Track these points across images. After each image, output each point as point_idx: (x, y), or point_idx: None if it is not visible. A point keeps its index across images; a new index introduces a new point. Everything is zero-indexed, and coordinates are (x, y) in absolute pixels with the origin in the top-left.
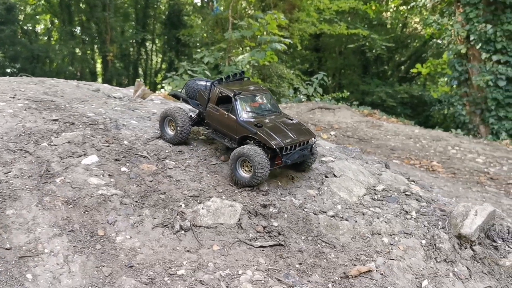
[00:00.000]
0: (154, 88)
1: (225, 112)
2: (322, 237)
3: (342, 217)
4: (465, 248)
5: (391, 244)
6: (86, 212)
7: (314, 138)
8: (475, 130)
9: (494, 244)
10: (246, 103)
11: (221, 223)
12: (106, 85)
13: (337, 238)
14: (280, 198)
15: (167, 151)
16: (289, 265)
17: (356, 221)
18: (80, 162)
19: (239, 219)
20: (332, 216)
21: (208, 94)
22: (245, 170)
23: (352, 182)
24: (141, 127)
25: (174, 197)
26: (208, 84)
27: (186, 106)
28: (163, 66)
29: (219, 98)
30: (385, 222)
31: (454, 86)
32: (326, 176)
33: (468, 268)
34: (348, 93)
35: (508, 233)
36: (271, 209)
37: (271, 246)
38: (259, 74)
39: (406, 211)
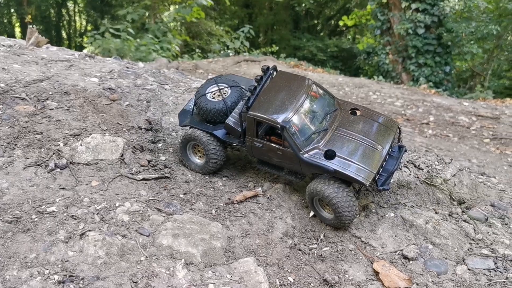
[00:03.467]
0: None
1: (277, 148)
2: None
3: (233, 149)
4: None
5: None
6: None
7: (398, 127)
8: (398, 78)
9: None
10: (302, 127)
11: (101, 159)
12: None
13: (226, 168)
14: (171, 134)
15: (50, 92)
16: (173, 195)
17: None
18: None
19: (122, 154)
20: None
21: (241, 124)
22: (328, 210)
23: None
24: (24, 71)
25: (52, 137)
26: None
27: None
28: (89, 27)
29: (259, 125)
30: None
31: (378, 36)
32: None
33: None
34: (277, 48)
35: None
36: (160, 145)
37: (155, 179)
38: (187, 32)
39: None
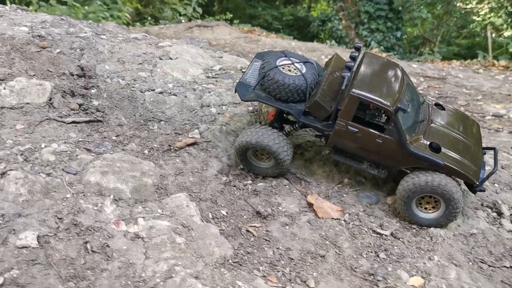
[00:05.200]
0: None
1: (378, 135)
2: (147, 112)
3: (170, 93)
4: None
5: (218, 113)
6: None
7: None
8: (352, 43)
9: None
10: (406, 115)
11: (27, 103)
12: None
13: (163, 112)
14: (105, 80)
15: None
16: (105, 137)
17: (185, 96)
18: None
19: (50, 98)
20: (160, 93)
21: (337, 102)
22: (426, 209)
23: (188, 64)
24: None
25: None
26: (305, 70)
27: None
28: None
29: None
30: (215, 95)
31: (331, 2)
32: (160, 59)
33: None
34: (232, 15)
35: None
36: (93, 91)
37: (86, 122)
38: (139, 0)
39: None
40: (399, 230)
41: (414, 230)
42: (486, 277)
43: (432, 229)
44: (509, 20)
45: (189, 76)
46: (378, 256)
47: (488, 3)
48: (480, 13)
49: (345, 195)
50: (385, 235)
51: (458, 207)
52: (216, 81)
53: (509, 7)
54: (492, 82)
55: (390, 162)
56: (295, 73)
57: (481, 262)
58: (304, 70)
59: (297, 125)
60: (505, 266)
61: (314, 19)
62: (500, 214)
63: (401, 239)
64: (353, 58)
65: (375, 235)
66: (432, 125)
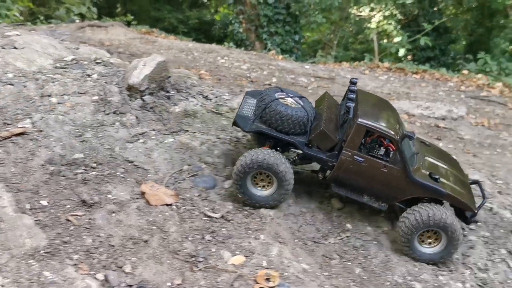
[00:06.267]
0: None
1: (384, 164)
2: None
3: (6, 83)
4: (135, 99)
5: (58, 103)
6: None
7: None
8: (252, 46)
9: (167, 94)
10: (406, 147)
11: None
12: None
13: None
14: None
15: None
16: None
17: (25, 86)
18: None
19: None
20: None
21: (345, 132)
22: (426, 244)
23: (37, 54)
24: None
25: None
26: (303, 104)
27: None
28: None
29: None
30: (60, 85)
31: (231, 5)
32: (3, 48)
33: (137, 116)
34: (132, 17)
35: (185, 84)
36: None
37: None
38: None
39: (88, 75)
40: (231, 213)
41: (246, 212)
42: (308, 252)
43: (262, 210)
44: (398, 27)
45: (34, 66)
46: (203, 238)
47: (379, 11)
48: (372, 21)
49: (182, 181)
50: (216, 218)
51: (459, 239)
52: (65, 71)
53: (398, 15)
54: (375, 82)
55: (393, 193)
56: (296, 106)
57: (307, 239)
58: (302, 104)
59: (297, 157)
60: (330, 242)
61: (217, 23)
62: (331, 195)
63: (231, 221)
64: (352, 91)
65: (206, 218)
66: (425, 157)
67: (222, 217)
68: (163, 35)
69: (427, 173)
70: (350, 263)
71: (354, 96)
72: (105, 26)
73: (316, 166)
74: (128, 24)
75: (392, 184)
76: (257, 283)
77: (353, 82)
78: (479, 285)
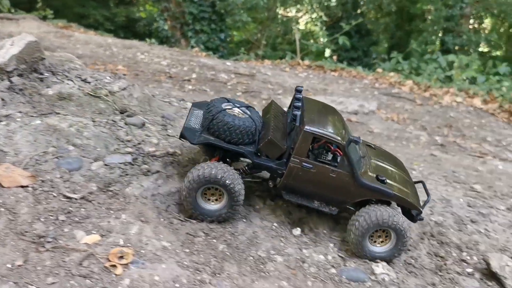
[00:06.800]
0: None
1: (332, 169)
2: None
3: None
4: (1, 80)
5: None
6: None
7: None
8: (178, 44)
9: (40, 76)
10: (353, 151)
11: None
12: None
13: None
14: None
15: None
16: None
17: None
18: None
19: None
20: None
21: (293, 139)
22: (376, 242)
23: None
24: None
25: None
26: (247, 113)
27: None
28: None
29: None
30: None
31: (156, 2)
32: None
33: (2, 98)
34: (51, 12)
35: (63, 67)
36: None
37: None
38: None
39: None
40: (94, 194)
41: (110, 193)
42: (172, 231)
43: (127, 189)
44: (324, 28)
45: None
46: (57, 219)
47: (306, 12)
48: (299, 21)
49: (44, 162)
50: (75, 199)
51: (408, 236)
52: None
53: (323, 17)
54: (295, 79)
55: (342, 196)
56: (243, 115)
57: (173, 218)
58: (249, 114)
59: (247, 167)
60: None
61: (142, 20)
62: None
63: (92, 202)
64: (298, 99)
65: (64, 199)
66: (371, 160)
67: (82, 198)
68: (82, 30)
69: (374, 175)
70: (215, 241)
71: (300, 104)
72: (16, 19)
73: (266, 174)
74: (44, 18)
75: (341, 188)
76: (109, 261)
77: (298, 90)
78: (340, 256)
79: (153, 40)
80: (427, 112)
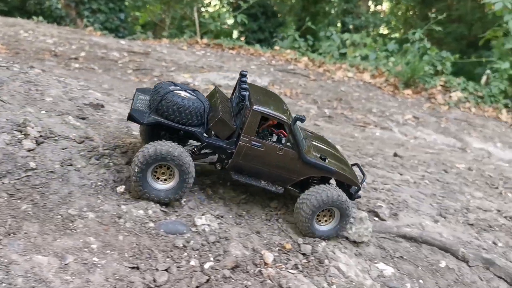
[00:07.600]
0: None
1: (278, 147)
2: None
3: None
4: None
5: None
6: None
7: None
8: (74, 23)
9: None
10: (296, 132)
11: None
12: None
13: None
14: None
15: None
16: None
17: None
18: None
19: None
20: None
21: (242, 120)
22: (322, 221)
23: None
24: None
25: None
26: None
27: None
28: None
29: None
30: None
31: None
32: None
33: None
34: None
35: None
36: None
37: None
38: None
39: None
40: None
41: None
42: None
43: None
44: (231, 9)
45: None
46: None
47: None
48: (205, 3)
49: None
50: None
51: (351, 213)
52: None
53: None
54: (192, 57)
55: (288, 174)
56: (192, 97)
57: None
58: (198, 95)
59: (197, 148)
60: (3, 183)
61: None
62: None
63: None
64: (244, 82)
65: None
66: (312, 142)
67: None
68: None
69: (318, 155)
70: (19, 201)
71: (247, 86)
72: None
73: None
74: None
75: (287, 166)
76: None
77: (243, 74)
78: (163, 211)
79: (40, 18)
80: (319, 87)
